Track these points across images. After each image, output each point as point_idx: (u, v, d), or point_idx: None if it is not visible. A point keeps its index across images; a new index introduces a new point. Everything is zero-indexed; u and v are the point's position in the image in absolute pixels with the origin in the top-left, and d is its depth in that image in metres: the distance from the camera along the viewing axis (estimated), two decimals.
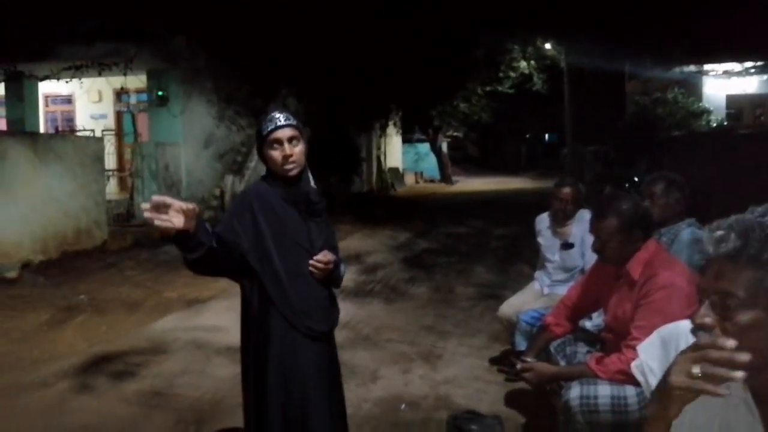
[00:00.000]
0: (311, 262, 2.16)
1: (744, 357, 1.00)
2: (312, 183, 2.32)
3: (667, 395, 1.10)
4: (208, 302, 6.21)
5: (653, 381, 1.98)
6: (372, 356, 4.58)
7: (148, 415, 3.59)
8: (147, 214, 1.82)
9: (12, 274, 7.18)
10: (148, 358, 4.59)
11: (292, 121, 2.16)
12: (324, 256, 2.17)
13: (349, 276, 7.48)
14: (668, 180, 3.01)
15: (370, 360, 4.49)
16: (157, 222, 1.82)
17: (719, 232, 1.11)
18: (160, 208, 1.82)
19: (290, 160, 2.13)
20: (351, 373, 4.17)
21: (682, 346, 1.91)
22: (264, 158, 2.20)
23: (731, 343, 1.02)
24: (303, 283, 2.18)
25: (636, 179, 8.66)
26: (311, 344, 2.20)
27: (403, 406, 3.67)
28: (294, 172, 2.16)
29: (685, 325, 1.94)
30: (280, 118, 2.14)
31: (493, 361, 4.41)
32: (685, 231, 2.93)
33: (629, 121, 15.36)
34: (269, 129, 2.13)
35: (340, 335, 5.03)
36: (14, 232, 7.55)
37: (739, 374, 1.01)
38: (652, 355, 2.00)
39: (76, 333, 5.33)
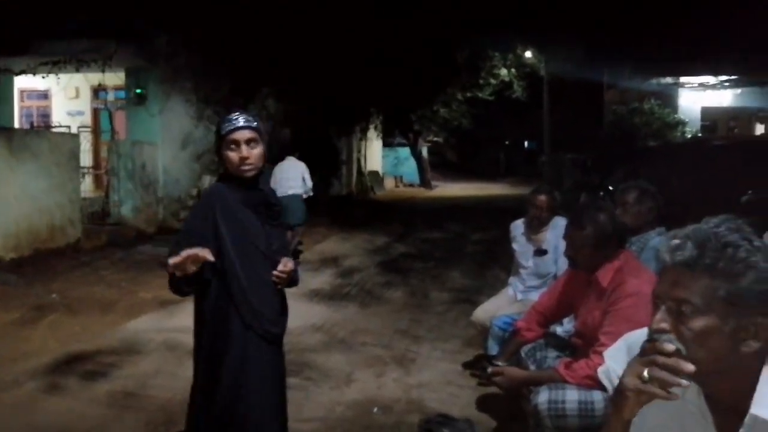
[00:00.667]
0: (276, 273, 2.16)
1: (688, 367, 1.04)
2: (271, 185, 2.36)
3: (621, 397, 1.15)
4: (181, 303, 6.08)
5: None
6: (346, 359, 4.59)
7: (118, 416, 3.57)
8: (173, 263, 1.94)
9: None
10: (121, 358, 4.55)
11: (252, 123, 2.16)
12: (285, 265, 2.17)
13: (325, 279, 7.50)
14: (641, 189, 3.09)
15: (344, 363, 4.50)
16: (178, 272, 1.96)
17: (676, 241, 1.16)
18: (188, 262, 1.94)
19: (247, 162, 2.13)
20: (325, 376, 4.18)
21: None
22: (221, 158, 2.19)
23: (670, 347, 1.07)
24: (261, 286, 2.19)
25: (610, 188, 8.79)
26: (267, 347, 2.24)
27: (375, 409, 3.69)
28: (250, 174, 2.16)
29: None
30: (239, 119, 2.15)
31: (466, 365, 4.45)
32: (654, 240, 3.00)
33: (607, 130, 15.61)
34: (227, 129, 2.13)
35: (314, 338, 5.06)
36: None
37: (684, 381, 1.05)
38: (618, 360, 2.04)
39: (48, 332, 5.26)
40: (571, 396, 2.19)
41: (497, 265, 8.40)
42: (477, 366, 4.29)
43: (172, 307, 6.05)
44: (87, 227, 9.58)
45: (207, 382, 2.19)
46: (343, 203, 17.32)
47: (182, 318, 5.56)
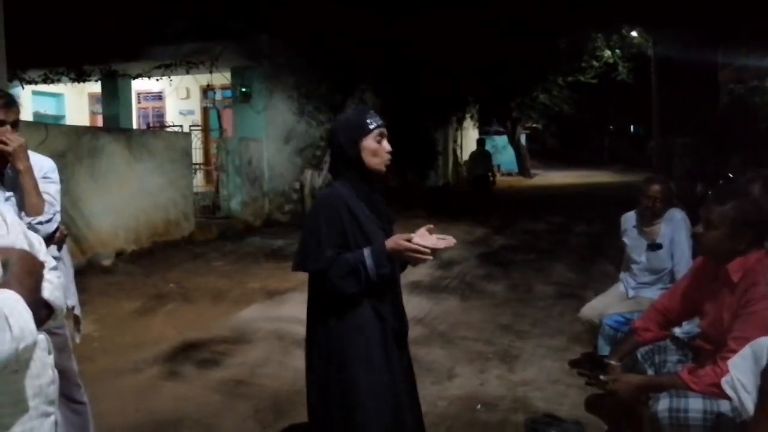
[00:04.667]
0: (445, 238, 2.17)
1: None
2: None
3: None
4: (288, 293, 6.37)
5: (745, 396, 1.87)
6: (447, 354, 4.56)
7: (230, 403, 3.73)
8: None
9: (107, 262, 7.63)
10: (232, 347, 4.76)
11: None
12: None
13: (425, 271, 7.48)
14: (766, 179, 2.81)
15: (445, 358, 4.47)
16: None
17: None
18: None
19: (390, 156, 2.21)
20: (426, 371, 4.17)
21: None
22: (355, 151, 2.17)
23: None
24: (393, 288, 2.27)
25: (730, 176, 8.15)
26: (404, 347, 2.31)
27: (479, 406, 3.63)
28: (384, 170, 2.22)
29: None
30: (377, 117, 2.23)
31: (573, 363, 4.29)
32: None
33: (723, 111, 14.52)
34: (378, 123, 2.19)
35: (414, 331, 5.06)
36: (109, 222, 8.01)
37: None
38: (743, 369, 1.88)
39: (166, 320, 5.60)
40: (695, 405, 2.04)
41: (604, 258, 8.05)
42: (585, 365, 4.13)
43: (279, 297, 6.29)
44: (199, 221, 10.13)
45: (347, 380, 2.16)
46: (440, 194, 17.23)
47: (288, 308, 5.77)
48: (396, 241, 2.07)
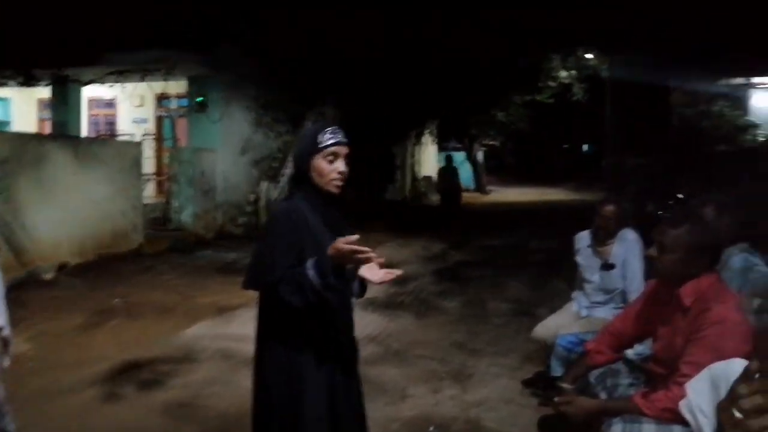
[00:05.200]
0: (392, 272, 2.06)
1: None
2: None
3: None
4: (238, 309, 6.18)
5: (703, 421, 1.85)
6: (401, 373, 4.47)
7: (173, 427, 3.56)
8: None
9: (49, 276, 7.30)
10: (177, 366, 4.57)
11: (347, 142, 2.16)
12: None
13: (380, 287, 7.37)
14: (718, 203, 2.83)
15: (399, 377, 4.38)
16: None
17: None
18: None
19: (341, 177, 2.12)
20: (380, 391, 4.07)
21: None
22: (304, 167, 2.12)
23: None
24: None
25: (681, 196, 8.35)
26: (354, 371, 2.26)
27: (431, 428, 3.55)
28: (337, 190, 2.14)
29: (738, 363, 1.79)
30: (340, 134, 2.14)
31: (527, 383, 4.25)
32: (737, 257, 2.75)
33: (673, 133, 14.96)
34: (332, 141, 2.10)
35: (368, 350, 4.95)
36: (52, 233, 7.68)
37: None
38: (702, 393, 1.86)
39: (108, 337, 5.36)
40: (648, 431, 2.00)
41: (558, 276, 8.11)
42: (538, 384, 4.10)
43: (228, 314, 6.10)
44: (149, 233, 9.83)
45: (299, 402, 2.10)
46: (398, 209, 17.23)
47: (237, 325, 5.59)
48: (334, 246, 1.92)
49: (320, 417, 2.07)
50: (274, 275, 1.97)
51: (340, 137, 2.13)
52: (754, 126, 13.61)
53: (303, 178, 2.13)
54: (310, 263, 1.95)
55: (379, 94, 13.26)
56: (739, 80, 14.70)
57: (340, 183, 2.13)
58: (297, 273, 1.95)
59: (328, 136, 2.11)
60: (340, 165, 2.11)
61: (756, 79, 14.67)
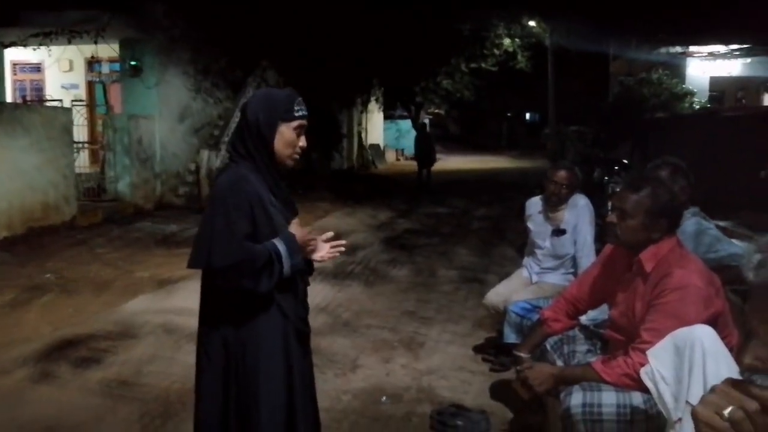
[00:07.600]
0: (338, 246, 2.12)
1: None
2: None
3: (695, 420, 0.95)
4: (180, 282, 5.94)
5: (664, 388, 1.82)
6: (352, 343, 4.39)
7: (111, 407, 3.36)
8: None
9: None
10: (116, 343, 4.34)
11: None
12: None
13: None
14: (673, 166, 2.80)
15: (349, 347, 4.30)
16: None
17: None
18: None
19: (300, 153, 2.02)
20: (330, 362, 3.98)
21: (697, 353, 1.74)
22: (270, 133, 1.94)
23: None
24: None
25: (626, 162, 8.52)
26: (306, 349, 2.15)
27: (384, 398, 3.49)
28: (292, 165, 2.03)
29: (701, 330, 1.77)
30: (304, 107, 2.02)
31: (478, 349, 4.25)
32: (690, 221, 2.75)
33: (613, 101, 15.27)
34: (301, 114, 1.98)
35: (318, 320, 4.84)
36: None
37: None
38: (664, 361, 1.83)
39: (41, 315, 5.05)
40: (608, 399, 1.97)
41: (504, 242, 8.19)
42: (489, 350, 4.09)
43: (170, 287, 5.86)
44: (82, 204, 9.35)
45: (248, 377, 1.98)
46: (344, 177, 17.05)
47: (180, 298, 5.38)
48: (299, 233, 1.91)
49: (278, 405, 1.97)
50: (231, 255, 1.80)
51: (305, 110, 2.02)
52: (691, 93, 14.01)
53: (262, 143, 1.94)
54: (278, 241, 1.87)
55: (322, 58, 12.90)
56: (677, 49, 15.06)
57: (297, 157, 2.02)
58: (264, 251, 1.84)
59: (299, 106, 1.99)
60: (303, 140, 2.01)
61: (693, 48, 15.05)
